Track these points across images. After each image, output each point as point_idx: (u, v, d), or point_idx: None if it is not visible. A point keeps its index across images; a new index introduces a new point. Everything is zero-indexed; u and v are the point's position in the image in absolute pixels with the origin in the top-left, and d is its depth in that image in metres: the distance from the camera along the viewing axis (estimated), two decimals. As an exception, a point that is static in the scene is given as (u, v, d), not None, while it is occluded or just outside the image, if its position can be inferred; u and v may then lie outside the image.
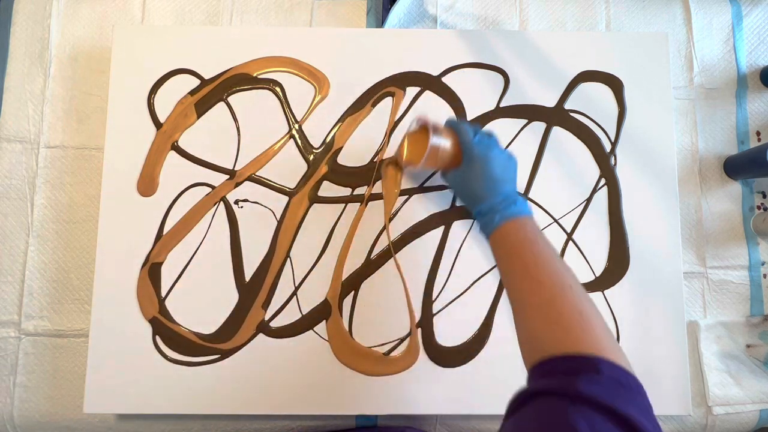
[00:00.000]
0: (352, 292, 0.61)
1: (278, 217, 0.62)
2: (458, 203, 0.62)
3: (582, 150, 0.64)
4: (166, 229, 0.62)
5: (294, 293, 0.61)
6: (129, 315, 0.60)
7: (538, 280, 0.41)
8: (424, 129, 0.53)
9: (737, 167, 0.66)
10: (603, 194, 0.63)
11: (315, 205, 0.63)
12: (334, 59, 0.65)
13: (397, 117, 0.64)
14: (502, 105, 0.65)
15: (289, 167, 0.63)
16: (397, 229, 0.62)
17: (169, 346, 0.60)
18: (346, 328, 0.60)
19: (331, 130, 0.64)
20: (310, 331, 0.60)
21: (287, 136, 0.64)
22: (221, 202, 0.62)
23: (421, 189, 0.63)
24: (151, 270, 0.61)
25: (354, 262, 0.62)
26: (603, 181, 0.63)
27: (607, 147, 0.64)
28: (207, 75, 0.65)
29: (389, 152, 0.63)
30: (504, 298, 0.61)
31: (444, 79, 0.65)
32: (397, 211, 0.63)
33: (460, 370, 0.60)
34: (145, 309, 0.60)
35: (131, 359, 0.59)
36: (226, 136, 0.64)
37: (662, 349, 0.60)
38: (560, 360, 0.36)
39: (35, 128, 0.67)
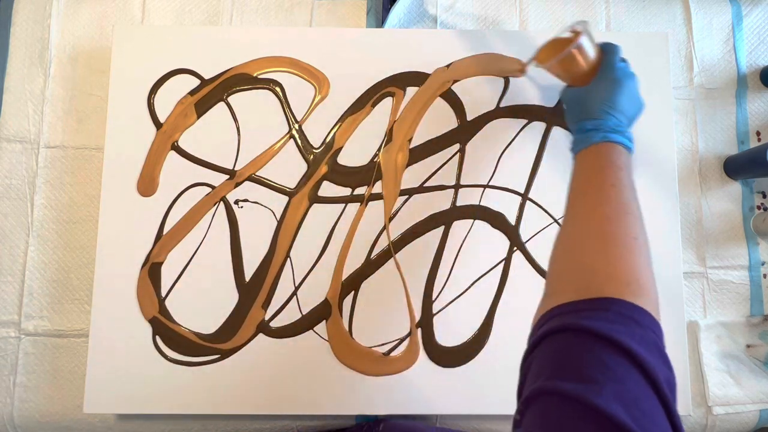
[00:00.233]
0: (352, 292, 0.61)
1: (278, 217, 0.62)
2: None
3: (582, 150, 0.64)
4: (166, 229, 0.62)
5: (294, 293, 0.61)
6: (129, 315, 0.60)
7: (607, 197, 0.40)
8: (573, 37, 0.51)
9: (737, 167, 0.66)
10: (603, 194, 0.63)
11: (315, 205, 0.63)
12: (334, 59, 0.65)
13: (397, 116, 0.64)
14: (502, 105, 0.65)
15: (289, 167, 0.63)
16: (397, 229, 0.62)
17: (169, 346, 0.60)
18: (346, 328, 0.60)
19: (331, 130, 0.64)
20: (310, 331, 0.60)
21: (287, 136, 0.64)
22: (221, 202, 0.62)
23: (421, 189, 0.63)
24: (151, 270, 0.61)
25: (354, 262, 0.62)
26: (603, 181, 0.63)
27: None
28: (207, 75, 0.65)
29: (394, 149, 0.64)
30: (504, 299, 0.61)
31: (444, 79, 0.65)
32: (397, 211, 0.63)
33: (460, 370, 0.60)
34: (145, 309, 0.60)
35: (131, 359, 0.59)
36: (226, 136, 0.64)
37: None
38: (572, 305, 0.36)
39: (35, 128, 0.67)
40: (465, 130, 0.64)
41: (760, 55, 0.70)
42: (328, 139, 0.64)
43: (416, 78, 0.65)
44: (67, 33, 0.69)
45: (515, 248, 0.62)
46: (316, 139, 0.64)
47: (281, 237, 0.62)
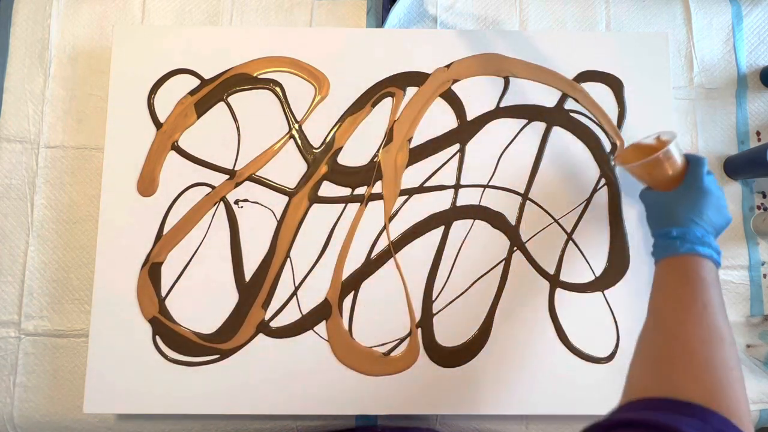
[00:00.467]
0: (352, 292, 0.61)
1: (278, 217, 0.62)
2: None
3: (582, 150, 0.64)
4: (166, 229, 0.62)
5: (294, 293, 0.61)
6: (129, 315, 0.60)
7: (700, 320, 0.39)
8: (658, 146, 0.52)
9: (737, 167, 0.66)
10: (603, 194, 0.63)
11: (315, 205, 0.63)
12: (334, 59, 0.65)
13: (396, 116, 0.64)
14: (502, 105, 0.65)
15: (289, 167, 0.63)
16: (397, 229, 0.62)
17: (169, 346, 0.60)
18: (346, 328, 0.60)
19: (331, 130, 0.64)
20: (310, 331, 0.60)
21: (287, 136, 0.64)
22: (221, 202, 0.62)
23: (421, 189, 0.63)
24: (151, 270, 0.61)
25: (354, 262, 0.62)
26: (603, 181, 0.63)
27: (607, 147, 0.64)
28: (207, 75, 0.65)
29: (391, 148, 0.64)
30: (504, 299, 0.61)
31: (444, 79, 0.65)
32: (397, 211, 0.63)
33: (460, 370, 0.60)
34: (145, 309, 0.60)
35: (131, 359, 0.59)
36: (226, 136, 0.64)
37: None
38: (673, 402, 0.33)
39: (35, 128, 0.67)
40: (465, 130, 0.64)
41: (760, 55, 0.70)
42: (328, 139, 0.64)
43: (416, 78, 0.65)
44: (67, 33, 0.69)
45: (515, 248, 0.62)
46: (316, 139, 0.64)
47: (281, 237, 0.62)
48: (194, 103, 0.64)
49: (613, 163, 0.61)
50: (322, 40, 0.66)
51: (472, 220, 0.63)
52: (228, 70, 0.65)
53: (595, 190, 0.63)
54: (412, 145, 0.64)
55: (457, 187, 0.63)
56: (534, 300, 0.61)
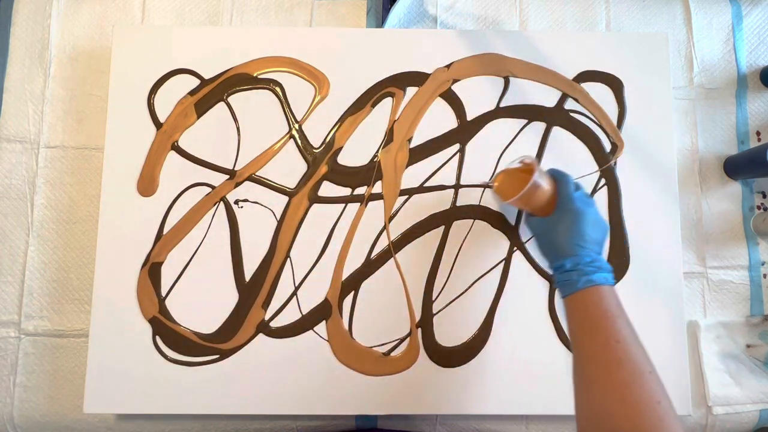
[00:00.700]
0: (352, 292, 0.61)
1: (278, 217, 0.62)
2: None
3: (582, 150, 0.64)
4: (166, 229, 0.62)
5: (294, 293, 0.61)
6: (129, 315, 0.60)
7: (617, 359, 0.41)
8: (525, 169, 0.54)
9: (737, 167, 0.66)
10: (603, 194, 0.63)
11: (315, 205, 0.63)
12: (334, 59, 0.65)
13: (396, 116, 0.64)
14: (502, 105, 0.65)
15: (289, 167, 0.63)
16: (397, 229, 0.62)
17: (169, 346, 0.60)
18: (346, 328, 0.60)
19: (331, 130, 0.64)
20: (310, 331, 0.60)
21: (287, 136, 0.64)
22: (221, 202, 0.62)
23: (421, 189, 0.63)
24: (151, 270, 0.61)
25: (354, 262, 0.62)
26: (603, 181, 0.63)
27: (607, 147, 0.64)
28: (207, 75, 0.65)
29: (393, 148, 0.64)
30: (504, 299, 0.61)
31: (444, 79, 0.65)
32: (397, 211, 0.63)
33: (460, 370, 0.60)
34: (145, 309, 0.60)
35: (131, 359, 0.59)
36: (226, 136, 0.64)
37: (662, 349, 0.60)
38: None
39: (35, 128, 0.67)
40: (465, 130, 0.64)
41: (760, 55, 0.70)
42: (328, 139, 0.64)
43: (416, 78, 0.65)
44: (67, 33, 0.69)
45: (515, 248, 0.62)
46: (316, 139, 0.64)
47: (281, 237, 0.62)
48: (194, 103, 0.64)
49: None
50: (322, 40, 0.66)
51: (472, 220, 0.63)
52: (228, 70, 0.65)
53: (595, 190, 0.63)
54: (412, 145, 0.64)
55: (457, 187, 0.63)
56: (534, 300, 0.61)
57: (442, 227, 0.62)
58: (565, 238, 0.48)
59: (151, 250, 0.61)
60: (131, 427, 0.62)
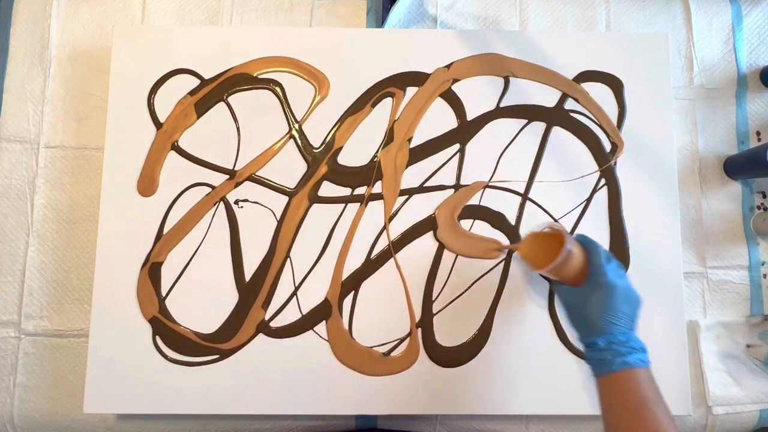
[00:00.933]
0: (352, 292, 0.61)
1: (278, 217, 0.62)
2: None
3: (582, 150, 0.64)
4: (166, 229, 0.62)
5: (294, 293, 0.61)
6: (129, 315, 0.60)
7: None
8: (553, 234, 0.53)
9: (737, 167, 0.66)
10: (603, 194, 0.63)
11: (315, 205, 0.63)
12: (334, 59, 0.65)
13: (396, 116, 0.64)
14: (502, 105, 0.65)
15: (289, 167, 0.63)
16: (397, 229, 0.62)
17: (169, 346, 0.60)
18: (346, 328, 0.60)
19: (331, 130, 0.64)
20: (310, 331, 0.60)
21: (287, 136, 0.64)
22: (221, 202, 0.62)
23: (421, 189, 0.63)
24: (151, 270, 0.61)
25: (354, 262, 0.62)
26: (603, 181, 0.63)
27: (607, 147, 0.64)
28: (207, 75, 0.65)
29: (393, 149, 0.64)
30: (504, 299, 0.61)
31: (444, 79, 0.65)
32: (397, 211, 0.63)
33: (460, 370, 0.60)
34: (145, 309, 0.60)
35: (131, 359, 0.59)
36: (226, 136, 0.64)
37: (662, 349, 0.60)
38: None
39: (35, 128, 0.67)
40: (465, 130, 0.64)
41: (760, 55, 0.70)
42: (328, 139, 0.64)
43: (416, 78, 0.65)
44: (67, 33, 0.69)
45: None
46: (316, 139, 0.64)
47: (281, 237, 0.62)
48: (194, 103, 0.64)
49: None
50: (322, 40, 0.66)
51: (472, 220, 0.63)
52: (228, 70, 0.65)
53: (595, 190, 0.63)
54: (412, 145, 0.64)
55: (457, 187, 0.63)
56: (534, 300, 0.61)
57: (442, 227, 0.62)
58: (597, 312, 0.47)
59: (151, 250, 0.61)
60: (131, 427, 0.62)
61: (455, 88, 0.65)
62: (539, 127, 0.65)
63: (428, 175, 0.63)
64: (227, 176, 0.63)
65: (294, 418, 0.62)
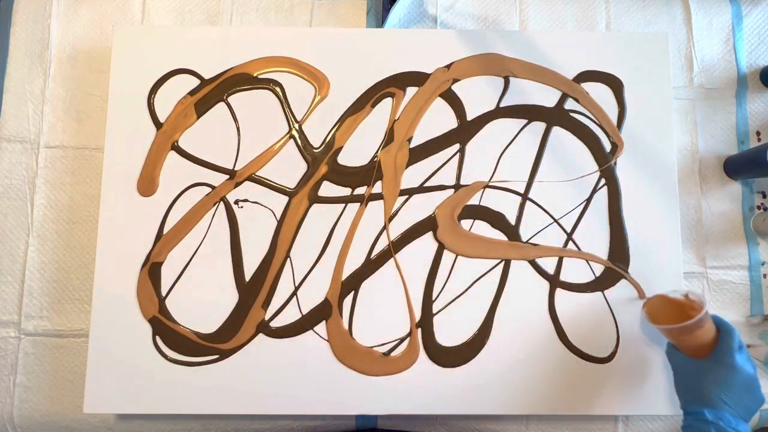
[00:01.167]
0: (352, 292, 0.61)
1: (278, 217, 0.62)
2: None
3: (582, 150, 0.64)
4: (166, 229, 0.62)
5: (294, 293, 0.61)
6: (129, 315, 0.60)
7: None
8: (686, 303, 0.52)
9: (737, 167, 0.66)
10: (603, 194, 0.63)
11: (315, 205, 0.63)
12: (334, 59, 0.65)
13: (396, 116, 0.64)
14: (502, 105, 0.65)
15: (289, 167, 0.63)
16: (397, 229, 0.62)
17: (169, 346, 0.60)
18: (346, 328, 0.60)
19: (331, 130, 0.64)
20: (310, 331, 0.60)
21: (287, 136, 0.64)
22: (221, 202, 0.62)
23: (421, 189, 0.63)
24: (151, 270, 0.61)
25: (354, 262, 0.62)
26: (603, 181, 0.63)
27: (607, 147, 0.64)
28: (207, 75, 0.65)
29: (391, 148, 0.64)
30: (504, 299, 0.61)
31: (444, 79, 0.65)
32: (397, 211, 0.63)
33: (460, 370, 0.60)
34: (145, 308, 0.60)
35: (131, 359, 0.59)
36: (226, 136, 0.64)
37: (662, 349, 0.60)
38: None
39: (35, 128, 0.67)
40: (465, 130, 0.64)
41: (760, 55, 0.70)
42: (328, 139, 0.64)
43: (416, 78, 0.65)
44: (67, 33, 0.69)
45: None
46: (316, 139, 0.64)
47: (281, 237, 0.62)
48: (194, 103, 0.64)
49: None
50: (322, 40, 0.66)
51: (472, 220, 0.63)
52: (228, 70, 0.65)
53: (595, 190, 0.63)
54: (412, 145, 0.64)
55: (457, 187, 0.63)
56: (534, 300, 0.61)
57: (442, 227, 0.62)
58: (712, 387, 0.45)
59: (151, 250, 0.61)
60: (131, 427, 0.62)
61: (455, 88, 0.65)
62: (539, 127, 0.65)
63: (428, 175, 0.63)
64: (227, 176, 0.63)
65: (294, 418, 0.62)
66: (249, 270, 0.61)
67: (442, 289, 0.61)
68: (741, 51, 0.70)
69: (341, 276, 0.61)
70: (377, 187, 0.63)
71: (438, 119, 0.64)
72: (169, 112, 0.64)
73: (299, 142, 0.64)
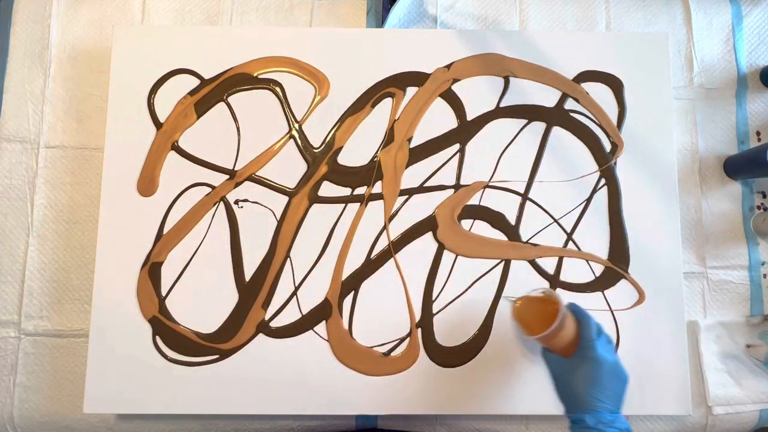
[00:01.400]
0: (352, 292, 0.61)
1: (278, 217, 0.62)
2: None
3: (582, 150, 0.64)
4: (166, 229, 0.62)
5: (294, 293, 0.61)
6: (129, 315, 0.60)
7: None
8: (546, 300, 0.52)
9: (737, 167, 0.66)
10: (603, 194, 0.63)
11: (315, 205, 0.63)
12: (334, 59, 0.65)
13: (396, 116, 0.64)
14: (502, 105, 0.65)
15: (289, 167, 0.63)
16: (397, 229, 0.62)
17: (169, 346, 0.60)
18: (346, 328, 0.60)
19: (331, 130, 0.64)
20: (310, 331, 0.60)
21: (287, 136, 0.64)
22: (221, 202, 0.62)
23: (421, 189, 0.63)
24: (151, 270, 0.61)
25: (354, 262, 0.62)
26: (603, 181, 0.63)
27: (607, 147, 0.64)
28: (207, 75, 0.65)
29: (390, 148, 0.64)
30: (504, 299, 0.61)
31: (444, 79, 0.65)
32: (397, 211, 0.63)
33: (460, 370, 0.60)
34: (145, 308, 0.60)
35: (131, 359, 0.59)
36: (226, 136, 0.64)
37: (662, 349, 0.60)
38: None
39: (35, 128, 0.67)
40: (465, 130, 0.64)
41: (760, 55, 0.70)
42: (328, 139, 0.64)
43: (416, 78, 0.65)
44: (67, 33, 0.69)
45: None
46: (316, 139, 0.64)
47: (281, 237, 0.62)
48: (194, 103, 0.64)
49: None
50: (322, 40, 0.66)
51: (472, 220, 0.63)
52: (228, 70, 0.65)
53: (595, 190, 0.63)
54: (412, 145, 0.64)
55: (457, 187, 0.63)
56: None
57: (442, 227, 0.62)
58: (584, 388, 0.47)
59: (151, 250, 0.61)
60: (131, 427, 0.62)
61: (455, 88, 0.65)
62: (539, 127, 0.65)
63: (428, 175, 0.63)
64: (227, 176, 0.63)
65: (294, 418, 0.62)
66: (249, 270, 0.61)
67: (442, 289, 0.61)
68: (741, 51, 0.70)
69: (341, 276, 0.61)
70: (377, 187, 0.63)
71: (438, 119, 0.64)
72: (169, 112, 0.64)
73: (299, 142, 0.64)
